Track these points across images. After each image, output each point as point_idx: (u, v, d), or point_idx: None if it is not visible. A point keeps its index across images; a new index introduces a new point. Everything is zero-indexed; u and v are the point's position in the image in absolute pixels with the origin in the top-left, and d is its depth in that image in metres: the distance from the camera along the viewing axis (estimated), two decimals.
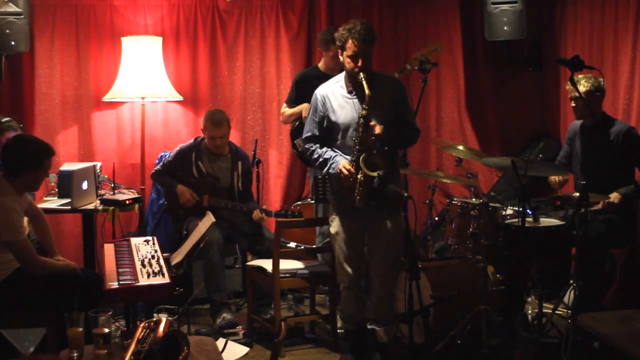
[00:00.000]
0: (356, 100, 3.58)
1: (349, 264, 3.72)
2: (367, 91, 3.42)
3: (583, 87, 4.15)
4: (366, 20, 3.59)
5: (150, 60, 5.05)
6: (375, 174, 3.42)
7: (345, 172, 3.49)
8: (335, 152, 3.65)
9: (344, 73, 3.68)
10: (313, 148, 3.72)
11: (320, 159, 3.67)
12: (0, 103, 5.08)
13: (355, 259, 3.72)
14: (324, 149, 3.68)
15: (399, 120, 3.65)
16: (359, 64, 3.49)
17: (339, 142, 3.66)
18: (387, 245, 3.64)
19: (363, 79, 3.44)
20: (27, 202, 3.62)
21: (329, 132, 3.69)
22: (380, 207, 3.59)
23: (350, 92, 3.61)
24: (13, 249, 3.34)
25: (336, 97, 3.64)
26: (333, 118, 3.63)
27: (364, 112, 3.46)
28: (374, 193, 3.53)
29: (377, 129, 3.45)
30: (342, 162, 3.54)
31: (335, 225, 3.74)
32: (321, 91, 3.71)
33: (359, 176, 3.46)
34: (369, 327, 3.83)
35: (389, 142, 3.57)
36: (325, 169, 3.66)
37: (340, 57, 3.61)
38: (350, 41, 3.49)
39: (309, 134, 3.75)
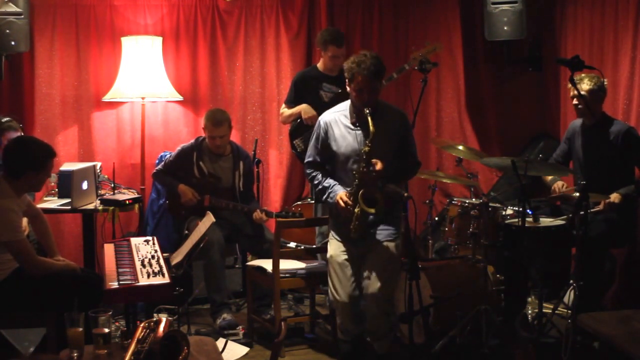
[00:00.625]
0: (359, 132, 3.60)
1: (342, 291, 3.67)
2: (371, 128, 3.43)
3: (587, 85, 4.15)
4: (377, 55, 3.58)
5: (150, 60, 5.05)
6: (372, 210, 3.46)
7: (342, 204, 3.53)
8: (334, 181, 3.68)
9: (348, 102, 3.69)
10: (314, 174, 3.76)
11: (320, 187, 3.71)
12: (0, 103, 5.08)
13: (348, 286, 3.67)
14: (324, 178, 3.71)
15: (401, 152, 3.67)
16: (365, 99, 3.50)
17: (338, 171, 3.69)
18: (382, 267, 3.60)
19: (368, 115, 3.45)
20: (26, 202, 3.62)
21: (329, 160, 3.72)
22: (379, 231, 3.62)
23: (353, 124, 3.63)
24: (12, 250, 3.34)
25: (339, 126, 3.66)
26: (334, 147, 3.65)
27: (366, 148, 3.47)
28: (371, 223, 3.58)
29: (379, 166, 3.46)
30: (340, 193, 3.57)
31: (332, 249, 3.74)
32: (325, 118, 3.72)
33: (356, 210, 3.49)
34: (367, 338, 3.82)
35: (389, 176, 3.56)
36: (324, 197, 3.70)
37: (347, 87, 3.62)
38: (359, 77, 3.48)
39: (310, 159, 3.79)
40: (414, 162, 3.77)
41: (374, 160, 3.47)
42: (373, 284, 3.59)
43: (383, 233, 3.64)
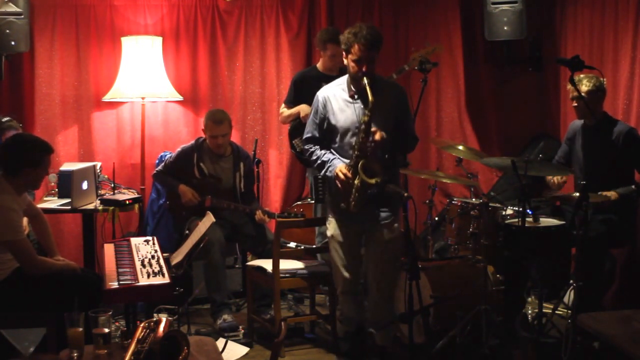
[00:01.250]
0: (357, 105, 3.57)
1: (345, 268, 3.69)
2: (370, 97, 3.40)
3: (585, 86, 4.15)
4: (373, 25, 3.57)
5: (150, 60, 5.05)
6: (372, 181, 3.40)
7: (342, 176, 3.49)
8: (334, 154, 3.64)
9: (346, 76, 3.66)
10: (312, 149, 3.72)
11: (319, 161, 3.67)
12: (0, 103, 5.08)
13: (351, 263, 3.69)
14: (323, 151, 3.68)
15: (400, 127, 3.65)
16: (364, 69, 3.47)
17: (337, 145, 3.65)
18: (384, 249, 3.62)
19: (366, 85, 3.43)
20: (27, 202, 3.62)
21: (328, 134, 3.69)
22: (377, 211, 3.60)
23: (352, 96, 3.60)
24: (12, 249, 3.34)
25: (337, 100, 3.64)
26: (333, 121, 3.63)
27: (365, 117, 3.44)
28: (371, 198, 3.53)
29: (378, 136, 3.44)
30: (339, 166, 3.54)
31: (331, 228, 3.73)
32: (323, 93, 3.70)
33: (355, 182, 3.45)
34: (368, 330, 3.83)
35: (388, 148, 3.56)
36: (323, 171, 3.66)
37: (344, 59, 3.59)
38: (355, 46, 3.46)
39: (308, 134, 3.76)
40: (412, 137, 3.74)
41: (373, 129, 3.44)
42: (375, 268, 3.60)
43: (383, 215, 3.62)
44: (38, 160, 3.44)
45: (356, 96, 3.59)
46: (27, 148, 3.44)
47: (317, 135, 3.72)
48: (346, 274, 3.70)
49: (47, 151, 3.50)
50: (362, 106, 3.54)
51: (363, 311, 3.83)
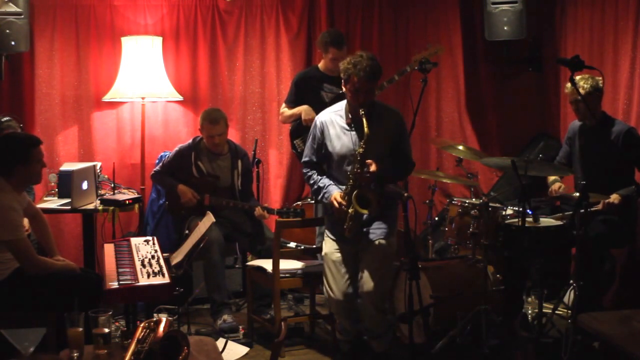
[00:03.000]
0: (354, 133, 3.63)
1: (337, 290, 3.69)
2: (365, 129, 3.45)
3: (582, 88, 4.14)
4: (373, 55, 3.59)
5: (150, 60, 5.05)
6: (365, 211, 3.49)
7: (336, 204, 3.55)
8: (330, 181, 3.71)
9: (345, 102, 3.71)
10: (310, 174, 3.80)
11: (315, 186, 3.75)
12: (0, 103, 5.08)
13: (344, 284, 3.69)
14: (319, 177, 3.74)
15: (396, 152, 3.67)
16: (361, 100, 3.51)
17: (334, 170, 3.72)
18: (378, 264, 3.62)
19: (363, 116, 3.47)
20: (26, 201, 3.61)
21: (325, 160, 3.75)
22: (371, 229, 3.64)
23: (349, 124, 3.65)
24: (12, 249, 3.33)
25: (335, 126, 3.68)
26: (330, 147, 3.68)
27: (360, 149, 3.49)
28: (365, 224, 3.61)
29: (373, 167, 3.48)
30: (334, 194, 3.60)
31: (327, 247, 3.77)
32: (321, 118, 3.75)
33: (350, 210, 3.51)
34: (364, 337, 3.82)
35: (383, 176, 3.58)
36: (319, 197, 3.74)
37: (343, 87, 3.63)
38: (354, 77, 3.50)
39: (306, 159, 3.83)
40: (408, 162, 3.78)
41: (368, 161, 3.49)
42: (368, 282, 3.60)
43: (377, 232, 3.65)
44: (26, 155, 3.40)
45: (352, 125, 3.63)
46: (12, 147, 3.43)
47: (314, 160, 3.79)
48: (339, 297, 3.69)
49: (34, 144, 3.46)
50: (357, 134, 3.59)
51: (358, 322, 3.81)
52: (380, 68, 3.58)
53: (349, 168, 3.59)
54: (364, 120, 3.46)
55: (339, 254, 3.70)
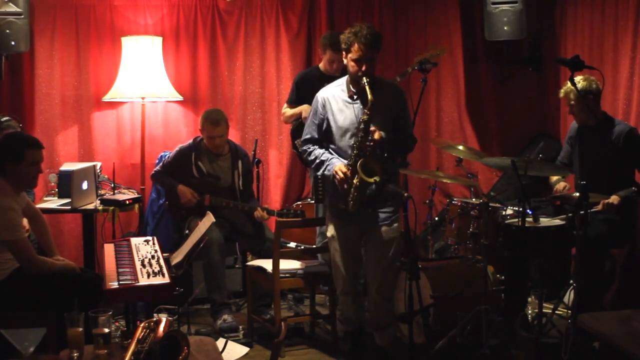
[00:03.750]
0: (357, 105, 3.58)
1: (345, 268, 3.71)
2: (369, 96, 3.41)
3: (572, 92, 4.16)
4: (373, 25, 3.58)
5: (150, 60, 5.05)
6: (372, 180, 3.40)
7: (341, 175, 3.49)
8: (332, 154, 3.65)
9: (346, 77, 3.67)
10: (310, 149, 3.72)
11: (317, 160, 3.67)
12: (0, 103, 5.08)
13: (350, 263, 3.71)
14: (321, 151, 3.68)
15: (398, 128, 3.65)
16: (363, 68, 3.48)
17: (336, 145, 3.66)
18: (384, 250, 3.62)
19: (366, 84, 3.43)
20: (25, 202, 3.61)
21: (327, 135, 3.69)
22: (376, 212, 3.60)
23: (351, 97, 3.61)
24: (12, 248, 3.34)
25: (337, 100, 3.64)
26: (332, 121, 3.63)
27: (365, 117, 3.44)
28: (370, 199, 3.54)
29: (377, 135, 3.44)
30: (338, 165, 3.54)
31: (331, 229, 3.74)
32: (322, 94, 3.71)
33: (354, 181, 3.45)
34: (367, 330, 3.83)
35: (386, 148, 3.56)
36: (321, 171, 3.65)
37: (344, 59, 3.60)
38: (355, 45, 3.47)
39: (307, 136, 3.76)
40: (410, 137, 3.75)
41: (372, 129, 3.44)
42: (374, 269, 3.61)
43: (382, 216, 3.62)
44: (18, 153, 3.37)
45: (355, 97, 3.59)
46: (8, 143, 3.43)
47: (316, 136, 3.73)
48: (346, 274, 3.71)
49: (29, 145, 3.42)
50: (361, 106, 3.54)
51: (363, 312, 3.83)
52: (381, 37, 3.55)
53: (352, 141, 3.54)
54: (367, 88, 3.42)
55: (344, 234, 3.68)
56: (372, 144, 3.44)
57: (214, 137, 4.60)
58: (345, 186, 3.49)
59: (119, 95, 5.06)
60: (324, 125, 3.67)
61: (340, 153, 3.63)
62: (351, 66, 3.53)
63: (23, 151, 3.39)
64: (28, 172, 3.43)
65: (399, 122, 3.66)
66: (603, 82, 4.25)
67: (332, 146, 3.68)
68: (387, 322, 3.73)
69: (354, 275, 3.72)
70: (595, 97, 4.18)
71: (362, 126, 3.45)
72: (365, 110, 3.45)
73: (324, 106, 3.67)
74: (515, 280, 4.11)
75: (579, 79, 4.14)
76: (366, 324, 3.83)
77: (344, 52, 3.57)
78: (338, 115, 3.62)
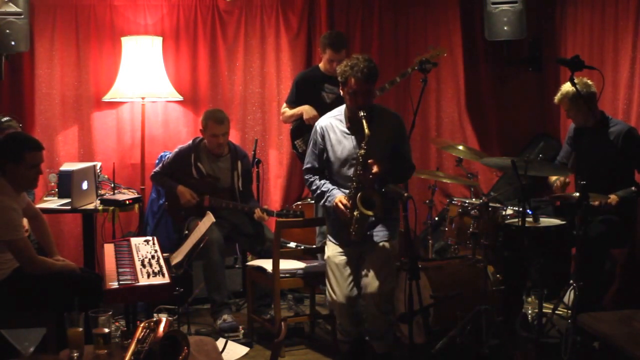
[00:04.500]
0: (354, 137, 3.63)
1: (340, 293, 3.68)
2: (366, 131, 3.45)
3: (566, 94, 4.18)
4: (370, 57, 3.60)
5: (150, 60, 5.05)
6: (371, 213, 3.48)
7: (341, 207, 3.54)
8: (333, 185, 3.69)
9: (344, 106, 3.71)
10: (312, 179, 3.78)
11: (318, 191, 3.73)
12: (0, 103, 5.08)
13: (347, 287, 3.68)
14: (322, 182, 3.73)
15: (396, 156, 3.68)
16: (359, 102, 3.51)
17: (335, 175, 3.71)
18: (380, 267, 3.62)
19: (363, 118, 3.47)
20: (26, 202, 3.61)
21: (327, 165, 3.74)
22: (374, 232, 3.64)
23: (348, 128, 3.65)
24: (12, 249, 3.33)
25: (335, 131, 3.68)
26: (331, 152, 3.69)
27: (362, 151, 3.48)
28: (370, 225, 3.60)
29: (375, 168, 3.47)
30: (338, 197, 3.59)
31: (329, 250, 3.76)
32: (321, 123, 3.75)
33: (355, 213, 3.50)
34: (366, 338, 3.82)
35: (385, 178, 3.56)
36: (322, 202, 3.71)
37: (341, 91, 3.64)
38: (352, 79, 3.50)
39: (308, 165, 3.82)
40: (409, 165, 3.78)
41: (370, 161, 3.48)
42: (371, 284, 3.59)
43: (380, 234, 3.66)
44: (17, 154, 3.35)
45: (352, 129, 3.64)
46: (8, 144, 3.42)
47: (316, 165, 3.78)
48: (341, 300, 3.68)
49: (29, 147, 3.41)
50: (357, 138, 3.59)
51: (360, 323, 3.81)
52: (377, 70, 3.59)
53: (351, 171, 3.58)
54: (364, 121, 3.46)
55: (342, 257, 3.69)
56: (371, 177, 3.48)
57: (218, 136, 4.60)
58: (346, 217, 3.54)
59: (119, 95, 5.06)
60: (324, 155, 3.72)
61: (341, 183, 3.68)
62: (348, 99, 3.58)
63: (23, 153, 3.37)
64: (28, 174, 3.42)
65: (398, 150, 3.69)
66: (603, 82, 4.23)
67: (332, 176, 3.74)
68: (384, 331, 3.72)
69: (349, 299, 3.68)
70: (589, 100, 4.16)
71: (360, 160, 3.49)
72: (362, 145, 3.49)
73: (322, 137, 3.72)
74: (515, 280, 4.10)
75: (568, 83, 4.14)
76: (364, 332, 3.82)
77: (340, 85, 3.61)
78: (337, 147, 3.66)
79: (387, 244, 3.65)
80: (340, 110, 3.74)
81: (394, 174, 3.65)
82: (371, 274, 3.61)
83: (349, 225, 3.55)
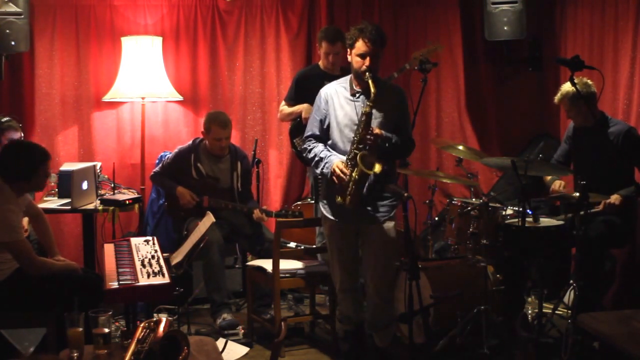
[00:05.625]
0: (358, 103, 3.59)
1: (342, 267, 3.71)
2: (372, 89, 3.42)
3: (566, 94, 4.18)
4: (378, 25, 3.60)
5: (150, 60, 5.05)
6: (371, 172, 3.41)
7: (339, 172, 3.49)
8: (331, 152, 3.65)
9: (349, 76, 3.69)
10: (310, 147, 3.71)
11: (316, 158, 3.66)
12: (0, 103, 5.08)
13: (348, 262, 3.70)
14: (320, 148, 3.67)
15: (398, 129, 3.66)
16: (367, 63, 3.49)
17: (333, 141, 3.66)
18: (380, 250, 3.62)
19: (369, 79, 3.45)
20: (27, 202, 3.61)
21: (328, 130, 3.70)
22: (372, 211, 3.60)
23: (353, 94, 3.62)
24: (11, 250, 3.34)
25: (339, 96, 3.66)
26: (333, 116, 3.65)
27: (367, 108, 3.44)
28: (366, 198, 3.54)
29: (377, 130, 3.46)
30: (336, 162, 3.53)
31: (327, 227, 3.75)
32: (325, 90, 3.73)
33: (353, 174, 3.44)
34: (367, 331, 3.83)
35: (386, 147, 3.55)
36: (320, 169, 3.65)
37: (348, 56, 3.61)
38: (360, 40, 3.49)
39: (309, 132, 3.76)
40: (409, 140, 3.75)
41: (372, 127, 3.46)
42: (373, 270, 3.60)
43: (377, 215, 3.61)
44: (28, 172, 3.41)
45: (357, 94, 3.60)
46: (18, 163, 3.40)
47: (317, 132, 3.73)
48: (342, 273, 3.72)
49: (40, 160, 3.45)
50: (362, 104, 3.55)
51: (362, 311, 3.82)
52: (385, 35, 3.57)
53: (350, 136, 3.54)
54: (370, 82, 3.43)
55: (341, 235, 3.68)
56: (372, 138, 3.44)
57: (221, 139, 4.61)
58: (344, 182, 3.47)
59: (119, 95, 5.06)
60: (326, 121, 3.68)
61: (337, 149, 3.64)
62: (355, 62, 3.55)
63: (36, 169, 3.43)
64: (39, 183, 3.53)
65: (399, 124, 3.66)
66: (603, 82, 4.23)
67: (329, 142, 3.68)
68: (386, 323, 3.72)
69: (352, 274, 3.72)
70: (589, 100, 4.16)
71: (363, 118, 3.45)
72: (368, 102, 3.45)
73: (326, 102, 3.68)
74: (515, 280, 4.11)
75: (568, 84, 4.15)
76: (365, 324, 3.83)
77: (348, 49, 3.59)
78: (339, 111, 3.63)
79: (386, 225, 3.60)
80: (345, 79, 3.72)
81: (395, 147, 3.62)
82: (372, 261, 3.62)
83: (346, 191, 3.47)
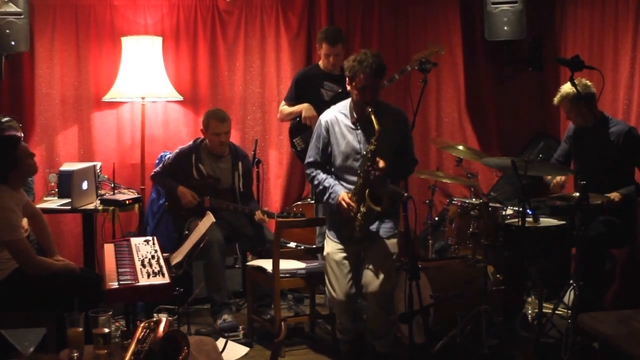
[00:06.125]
0: (359, 132, 3.62)
1: (339, 290, 3.68)
2: (376, 126, 3.43)
3: (566, 95, 4.18)
4: (378, 53, 3.60)
5: (150, 60, 5.05)
6: (379, 208, 3.44)
7: (345, 205, 3.52)
8: (334, 181, 3.68)
9: (348, 101, 3.70)
10: (314, 174, 3.75)
11: (320, 187, 3.70)
12: (0, 103, 5.08)
13: (346, 284, 3.68)
14: (324, 177, 3.70)
15: (400, 152, 3.68)
16: (367, 97, 3.51)
17: (338, 170, 3.69)
18: (383, 264, 3.62)
19: (371, 114, 3.45)
20: (25, 199, 3.60)
21: (329, 159, 3.73)
22: (376, 229, 3.63)
23: (354, 123, 3.64)
24: (11, 249, 3.33)
25: (340, 125, 3.68)
26: (335, 146, 3.67)
27: (372, 147, 3.46)
28: (373, 222, 3.60)
29: (382, 164, 3.47)
30: (341, 194, 3.56)
31: (328, 247, 3.75)
32: (325, 117, 3.73)
33: (361, 208, 3.49)
34: (368, 338, 3.82)
35: (390, 174, 3.57)
36: (325, 198, 3.68)
37: (348, 86, 3.63)
38: (360, 75, 3.50)
39: (310, 159, 3.79)
40: (412, 160, 3.78)
41: (377, 159, 3.47)
42: (373, 281, 3.59)
43: (381, 230, 3.65)
44: (12, 160, 3.39)
45: (358, 124, 3.62)
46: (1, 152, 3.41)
47: (319, 160, 3.76)
48: (341, 297, 3.68)
49: (14, 146, 3.43)
50: (363, 133, 3.58)
51: (360, 320, 3.81)
52: (384, 65, 3.58)
53: (354, 165, 3.57)
54: (373, 117, 3.44)
55: (342, 254, 3.69)
56: (377, 173, 3.45)
57: (220, 134, 4.60)
58: (349, 215, 3.52)
59: (119, 95, 5.06)
60: (328, 149, 3.71)
61: (343, 177, 3.67)
62: (355, 94, 3.57)
63: (16, 153, 3.41)
64: (28, 164, 3.49)
65: (402, 146, 3.69)
66: (603, 82, 4.23)
67: (335, 170, 3.72)
68: (385, 330, 3.72)
69: (348, 297, 3.68)
70: (589, 101, 4.15)
71: (369, 156, 3.46)
72: (372, 141, 3.46)
73: (327, 130, 3.69)
74: (515, 280, 4.11)
75: (567, 84, 4.15)
76: (365, 331, 3.82)
77: (347, 80, 3.60)
78: (341, 140, 3.65)
79: (388, 241, 3.64)
80: (344, 105, 3.72)
81: (398, 169, 3.64)
82: (372, 272, 3.61)
83: (351, 222, 3.53)
